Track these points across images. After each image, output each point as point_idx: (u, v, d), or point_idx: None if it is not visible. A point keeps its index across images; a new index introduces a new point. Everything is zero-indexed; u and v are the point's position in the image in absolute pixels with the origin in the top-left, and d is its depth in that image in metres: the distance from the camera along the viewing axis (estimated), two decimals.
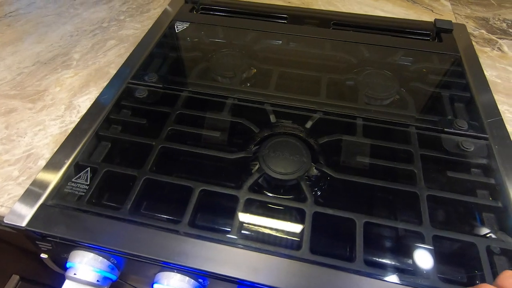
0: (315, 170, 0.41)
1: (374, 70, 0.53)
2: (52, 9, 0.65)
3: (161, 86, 0.49)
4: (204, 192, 0.38)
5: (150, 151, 0.42)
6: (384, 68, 0.54)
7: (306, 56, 0.57)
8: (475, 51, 0.54)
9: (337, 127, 0.47)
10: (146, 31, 0.58)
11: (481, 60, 0.53)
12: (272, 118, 0.46)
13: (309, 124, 0.45)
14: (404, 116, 0.45)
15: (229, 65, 0.55)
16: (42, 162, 0.40)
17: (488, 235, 0.36)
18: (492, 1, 0.66)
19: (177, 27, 0.60)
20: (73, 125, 0.43)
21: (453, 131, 0.42)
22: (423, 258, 0.34)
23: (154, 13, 0.64)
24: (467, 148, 0.41)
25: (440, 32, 0.59)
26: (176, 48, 0.57)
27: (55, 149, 0.40)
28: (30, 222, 0.35)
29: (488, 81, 0.49)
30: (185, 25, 0.61)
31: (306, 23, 0.62)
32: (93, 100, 0.47)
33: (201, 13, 0.65)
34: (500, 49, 0.55)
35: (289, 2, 0.67)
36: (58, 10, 0.65)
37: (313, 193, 0.39)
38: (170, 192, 0.40)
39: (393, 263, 0.35)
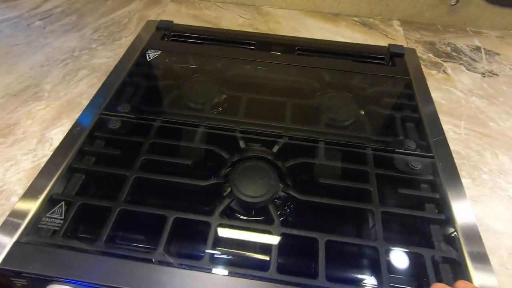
0: (282, 193, 0.44)
1: (335, 94, 0.58)
2: (21, 37, 0.65)
3: (133, 116, 0.51)
4: (178, 219, 0.40)
5: (125, 181, 0.43)
6: (344, 91, 0.59)
7: (272, 82, 0.61)
8: (423, 74, 0.60)
9: (301, 151, 0.51)
10: (118, 59, 0.60)
11: (428, 83, 0.59)
12: (242, 144, 0.49)
13: (276, 148, 0.49)
14: (361, 138, 0.50)
15: (200, 92, 0.57)
16: (15, 198, 0.41)
17: (434, 245, 0.40)
18: (439, 26, 0.73)
19: (148, 55, 0.62)
20: (46, 159, 0.44)
21: (403, 151, 0.47)
22: (378, 270, 0.37)
23: (126, 41, 0.66)
24: (415, 167, 0.46)
25: (393, 56, 0.65)
26: (148, 77, 0.59)
27: (28, 184, 0.41)
28: (4, 261, 0.36)
29: (434, 102, 0.55)
30: (157, 53, 0.63)
31: (272, 49, 0.66)
32: (66, 132, 0.48)
33: (172, 40, 0.67)
34: (444, 72, 0.62)
35: (257, 29, 0.71)
36: (28, 39, 0.65)
37: (280, 214, 0.42)
38: (145, 221, 0.42)
39: (352, 276, 0.38)
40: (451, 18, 0.72)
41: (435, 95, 0.57)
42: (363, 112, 0.55)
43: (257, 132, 0.50)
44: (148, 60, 0.61)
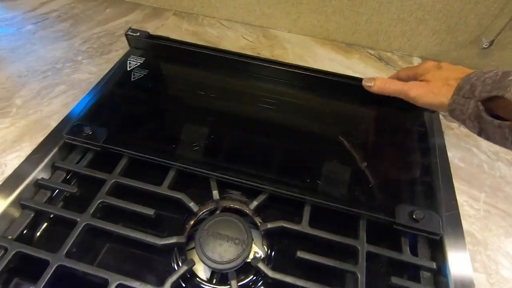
0: (252, 264, 0.37)
1: (340, 141, 0.51)
2: (8, 42, 0.61)
3: (100, 146, 0.45)
4: (121, 286, 0.34)
5: (73, 228, 0.38)
6: (351, 140, 0.51)
7: (265, 118, 0.54)
8: (441, 127, 0.52)
9: (283, 211, 0.44)
10: (101, 76, 0.55)
11: (446, 138, 0.50)
12: (215, 195, 0.42)
13: (253, 205, 0.42)
14: (357, 201, 0.42)
15: (181, 124, 0.51)
16: None
17: None
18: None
19: (133, 74, 0.57)
20: None
21: (405, 224, 0.39)
22: None
23: (115, 55, 0.61)
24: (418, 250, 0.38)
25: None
26: (128, 101, 0.54)
27: None
28: None
29: (450, 164, 0.47)
30: (143, 72, 0.58)
31: (269, 79, 0.60)
32: (23, 159, 0.43)
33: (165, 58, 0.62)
34: None
35: (259, 54, 0.64)
36: (14, 44, 0.61)
37: None
38: (84, 283, 0.36)
39: None
40: (481, 61, 0.63)
41: (452, 154, 0.49)
42: (365, 164, 0.47)
43: (236, 182, 0.44)
44: (132, 80, 0.56)
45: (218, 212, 0.43)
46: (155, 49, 0.60)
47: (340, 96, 0.57)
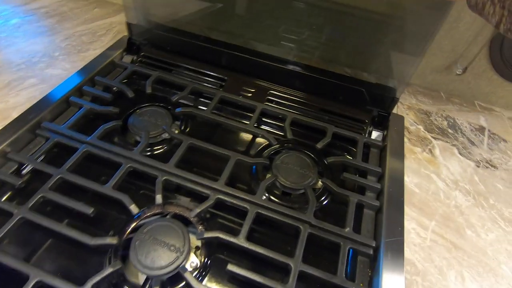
0: (179, 272, 0.37)
1: (294, 154, 0.50)
2: None
3: (54, 139, 0.46)
4: (41, 285, 0.34)
5: (8, 220, 0.38)
6: (305, 152, 0.51)
7: (223, 129, 0.54)
8: (403, 150, 0.51)
9: (223, 222, 0.44)
10: (73, 73, 0.56)
11: (406, 162, 0.49)
12: (158, 199, 0.42)
13: (195, 212, 0.41)
14: (300, 220, 0.41)
15: (143, 126, 0.52)
16: None
17: None
18: (442, 94, 0.63)
19: (105, 73, 0.58)
20: None
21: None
22: None
23: (92, 54, 0.62)
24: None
25: (375, 120, 0.57)
26: (95, 99, 0.55)
27: None
28: None
29: (406, 189, 0.46)
30: (117, 73, 0.59)
31: (242, 90, 0.60)
32: None
33: (139, 65, 0.63)
34: (431, 152, 0.52)
35: None
36: None
37: None
38: (6, 276, 0.36)
39: None
40: (458, 87, 0.62)
41: (409, 179, 0.48)
42: (320, 183, 0.47)
43: (182, 187, 0.44)
44: (102, 80, 0.56)
45: (160, 216, 0.42)
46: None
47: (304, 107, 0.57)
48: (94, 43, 0.64)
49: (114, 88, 0.57)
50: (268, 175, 0.48)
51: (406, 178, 0.47)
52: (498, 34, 0.52)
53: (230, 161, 0.47)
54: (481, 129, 0.57)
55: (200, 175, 0.45)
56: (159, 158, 0.47)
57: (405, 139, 0.53)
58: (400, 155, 0.50)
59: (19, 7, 0.71)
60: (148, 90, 0.57)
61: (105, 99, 0.54)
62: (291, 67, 0.60)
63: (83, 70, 0.58)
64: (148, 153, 0.50)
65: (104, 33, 0.67)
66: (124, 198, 0.41)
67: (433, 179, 0.48)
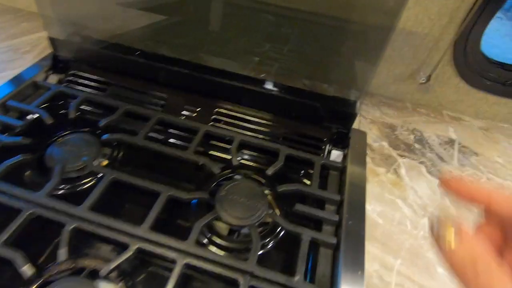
0: None
1: (242, 182, 0.43)
2: None
3: None
4: None
5: None
6: (255, 179, 0.44)
7: (163, 156, 0.47)
8: (365, 172, 0.45)
9: (156, 271, 0.36)
10: None
11: (369, 187, 0.43)
12: (62, 254, 0.34)
13: (107, 270, 0.33)
14: (239, 271, 0.34)
15: (61, 158, 0.43)
16: None
17: None
18: (407, 104, 0.58)
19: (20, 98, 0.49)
20: None
21: None
22: None
23: (10, 74, 0.53)
24: None
25: (334, 137, 0.50)
26: (6, 129, 0.46)
27: None
28: None
29: (367, 219, 0.39)
30: (39, 95, 0.50)
31: (183, 114, 0.53)
32: None
33: (66, 85, 0.55)
34: (396, 172, 0.46)
35: None
36: None
37: None
38: None
39: None
40: (424, 96, 0.57)
41: (372, 207, 0.41)
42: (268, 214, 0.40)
43: (97, 235, 0.36)
44: (14, 105, 0.48)
45: (69, 275, 0.34)
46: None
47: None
48: (14, 62, 0.56)
49: (30, 115, 0.49)
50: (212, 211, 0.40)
51: (368, 206, 0.41)
52: (460, 37, 0.48)
53: (160, 198, 0.39)
54: (451, 142, 0.52)
55: (127, 216, 0.37)
56: (75, 199, 0.39)
57: (368, 159, 0.47)
58: (361, 178, 0.44)
59: None
60: (71, 115, 0.49)
61: (16, 128, 0.46)
62: (240, 81, 0.54)
63: None
64: (62, 192, 0.41)
65: (28, 50, 0.59)
66: (15, 256, 0.33)
67: (399, 205, 0.42)
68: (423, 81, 0.52)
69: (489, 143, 0.52)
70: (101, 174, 0.41)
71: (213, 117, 0.52)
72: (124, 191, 0.43)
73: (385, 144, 0.50)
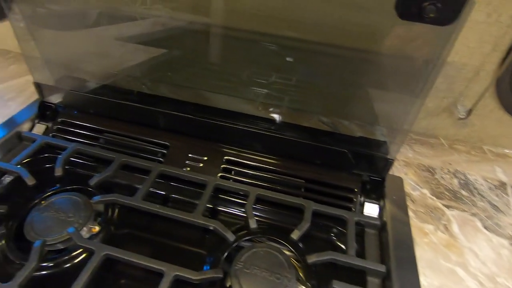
0: None
1: (262, 250, 0.36)
2: None
3: None
4: None
5: None
6: (276, 245, 0.36)
7: (157, 218, 0.39)
8: (411, 232, 0.37)
9: None
10: None
11: (418, 251, 0.35)
12: None
13: None
14: None
15: (44, 227, 0.36)
16: None
17: None
18: (442, 141, 0.51)
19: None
20: None
21: None
22: None
23: None
24: None
25: (366, 187, 0.43)
26: None
27: None
28: None
29: None
30: (23, 148, 0.44)
31: (188, 164, 0.46)
32: None
33: (54, 135, 0.48)
34: (447, 229, 0.38)
35: None
36: None
37: None
38: None
39: None
40: (461, 131, 0.51)
41: (428, 280, 0.33)
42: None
43: None
44: None
45: None
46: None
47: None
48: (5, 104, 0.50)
49: (10, 174, 0.42)
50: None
51: (423, 280, 0.32)
52: (506, 66, 0.41)
53: (164, 280, 0.31)
54: (502, 186, 0.44)
55: None
56: (60, 281, 0.31)
57: (410, 212, 0.39)
58: (407, 240, 0.36)
59: None
60: (58, 172, 0.41)
61: None
62: (250, 123, 0.47)
63: None
64: (43, 274, 0.33)
65: (13, 96, 0.53)
66: None
67: (460, 276, 0.34)
68: (463, 117, 0.45)
69: None
70: (88, 250, 0.34)
71: (222, 166, 0.45)
72: (119, 269, 0.35)
73: (426, 192, 0.43)
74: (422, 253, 0.35)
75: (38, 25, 0.48)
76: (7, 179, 0.42)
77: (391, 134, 0.42)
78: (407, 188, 0.43)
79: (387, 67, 0.39)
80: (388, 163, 0.41)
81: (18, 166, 0.41)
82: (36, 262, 0.32)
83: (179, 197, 0.43)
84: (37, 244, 0.34)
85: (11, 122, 0.48)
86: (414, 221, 0.39)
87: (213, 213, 0.42)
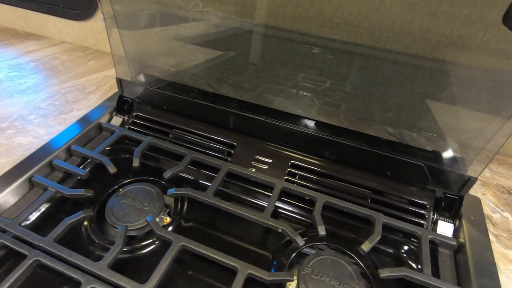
0: None
1: (330, 258, 0.35)
2: None
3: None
4: None
5: None
6: (344, 255, 0.36)
7: (222, 214, 0.40)
8: (493, 258, 0.34)
9: None
10: (46, 140, 0.45)
11: (503, 279, 0.32)
12: None
13: None
14: None
15: (123, 213, 0.39)
16: None
17: None
18: None
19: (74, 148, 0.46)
20: None
21: None
22: None
23: (75, 115, 0.51)
24: None
25: (440, 204, 0.41)
26: (67, 178, 0.43)
27: None
28: None
29: None
30: (103, 138, 0.47)
31: (254, 166, 0.46)
32: None
33: (130, 127, 0.51)
34: None
35: None
36: None
37: None
38: None
39: None
40: None
41: None
42: None
43: None
44: (78, 150, 0.45)
45: None
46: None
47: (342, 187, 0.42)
48: (79, 102, 0.54)
49: (93, 161, 0.45)
50: None
51: None
52: None
53: (238, 278, 0.32)
54: None
55: None
56: (137, 267, 0.33)
57: (490, 236, 0.37)
58: (489, 265, 0.34)
59: (8, 61, 0.64)
60: (135, 163, 0.44)
61: (79, 176, 0.42)
62: (315, 128, 0.47)
63: (58, 137, 0.47)
64: (122, 257, 0.36)
65: (94, 90, 0.57)
66: None
67: None
68: None
69: None
70: (166, 240, 0.35)
71: (288, 170, 0.45)
72: (192, 260, 0.36)
73: (508, 216, 0.40)
74: (508, 282, 0.33)
75: (123, 25, 0.51)
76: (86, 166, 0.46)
77: (470, 151, 0.40)
78: (486, 210, 0.40)
79: (476, 82, 0.37)
80: (470, 181, 0.38)
81: (101, 155, 0.45)
82: (121, 246, 0.34)
83: (241, 196, 0.44)
84: (121, 229, 0.36)
85: (93, 114, 0.52)
86: (495, 246, 0.36)
87: (274, 215, 0.43)
